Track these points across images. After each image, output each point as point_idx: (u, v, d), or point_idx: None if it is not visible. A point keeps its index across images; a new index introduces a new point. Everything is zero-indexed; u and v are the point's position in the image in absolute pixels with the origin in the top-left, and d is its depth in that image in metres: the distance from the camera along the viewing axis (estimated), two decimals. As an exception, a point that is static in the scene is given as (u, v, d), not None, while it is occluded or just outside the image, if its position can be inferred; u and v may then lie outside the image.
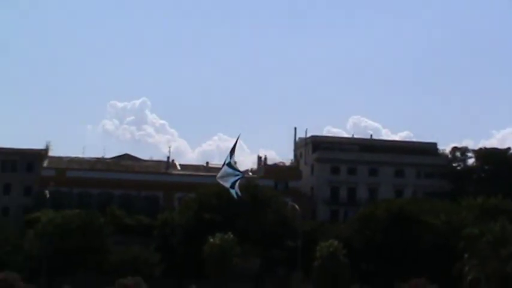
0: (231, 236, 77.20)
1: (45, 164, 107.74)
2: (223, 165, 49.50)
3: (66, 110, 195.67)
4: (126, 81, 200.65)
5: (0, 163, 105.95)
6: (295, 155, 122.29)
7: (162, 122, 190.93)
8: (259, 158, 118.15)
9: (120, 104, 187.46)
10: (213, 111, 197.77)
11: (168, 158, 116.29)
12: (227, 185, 49.52)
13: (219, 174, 51.86)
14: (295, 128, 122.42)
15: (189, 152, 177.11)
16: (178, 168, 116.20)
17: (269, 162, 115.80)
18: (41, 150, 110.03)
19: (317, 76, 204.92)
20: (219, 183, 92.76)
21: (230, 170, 48.62)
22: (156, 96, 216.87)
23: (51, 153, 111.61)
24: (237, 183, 49.31)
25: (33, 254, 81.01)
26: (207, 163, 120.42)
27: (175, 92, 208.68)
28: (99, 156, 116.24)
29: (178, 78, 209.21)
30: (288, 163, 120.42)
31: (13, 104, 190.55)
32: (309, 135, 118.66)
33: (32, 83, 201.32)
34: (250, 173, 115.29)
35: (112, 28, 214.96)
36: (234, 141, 50.14)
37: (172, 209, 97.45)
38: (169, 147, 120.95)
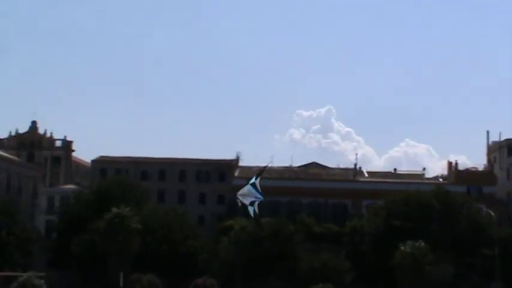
0: (422, 243, 75.44)
1: (236, 173, 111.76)
2: (248, 184, 48.90)
3: (255, 121, 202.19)
4: (311, 91, 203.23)
5: (195, 174, 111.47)
6: (488, 160, 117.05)
7: (348, 129, 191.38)
8: (450, 163, 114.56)
9: (306, 113, 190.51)
10: (400, 117, 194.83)
11: (355, 165, 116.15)
12: (246, 202, 48.78)
13: (240, 192, 51.51)
14: (488, 132, 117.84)
15: (376, 159, 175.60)
16: (366, 175, 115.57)
17: (460, 167, 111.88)
18: (232, 160, 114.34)
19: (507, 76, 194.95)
20: (408, 189, 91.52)
21: (253, 190, 47.95)
22: (341, 103, 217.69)
23: (241, 163, 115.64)
24: (256, 203, 48.61)
25: (227, 261, 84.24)
26: (395, 170, 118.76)
27: (360, 99, 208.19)
28: (287, 165, 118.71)
29: (362, 85, 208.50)
30: (480, 168, 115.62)
31: (204, 118, 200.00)
32: (503, 138, 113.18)
33: (221, 97, 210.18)
34: (440, 179, 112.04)
35: (296, 40, 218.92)
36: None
37: (360, 216, 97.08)
38: (356, 155, 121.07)
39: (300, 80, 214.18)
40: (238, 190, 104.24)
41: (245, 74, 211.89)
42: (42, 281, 77.78)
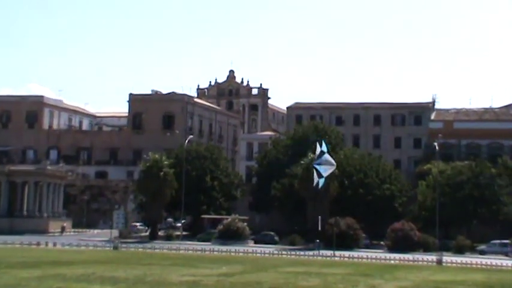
0: None
1: (432, 116, 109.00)
2: (324, 152, 45.25)
3: (451, 62, 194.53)
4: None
5: (390, 118, 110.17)
6: None
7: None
8: None
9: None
10: None
11: None
12: (323, 172, 45.19)
13: (317, 159, 47.57)
14: None
15: None
16: None
17: None
18: (428, 103, 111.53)
19: None
20: None
21: (329, 159, 44.08)
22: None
23: (437, 106, 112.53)
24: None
25: (426, 205, 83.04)
26: None
27: None
28: (487, 106, 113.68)
29: None
30: None
31: (399, 60, 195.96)
32: None
33: (416, 40, 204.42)
34: None
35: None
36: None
37: None
38: None
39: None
40: (434, 133, 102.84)
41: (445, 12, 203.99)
42: (245, 224, 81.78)
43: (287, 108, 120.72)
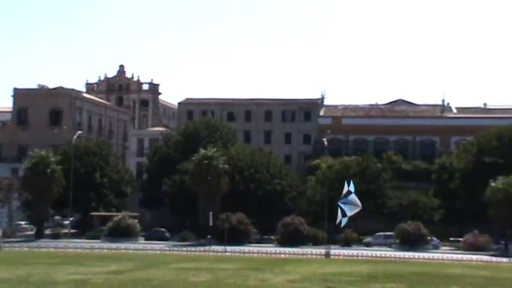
0: (515, 179, 73.61)
1: (321, 112, 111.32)
2: (351, 192, 47.54)
3: (341, 59, 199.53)
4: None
5: (280, 114, 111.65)
6: None
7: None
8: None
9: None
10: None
11: (443, 101, 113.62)
12: (347, 212, 47.57)
13: (343, 198, 49.80)
14: None
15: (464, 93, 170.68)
16: (454, 111, 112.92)
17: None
18: (317, 99, 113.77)
19: None
20: (499, 125, 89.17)
21: (356, 199, 46.46)
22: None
23: (326, 102, 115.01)
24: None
25: (315, 199, 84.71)
26: (485, 104, 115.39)
27: None
28: (373, 102, 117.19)
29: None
30: None
31: (289, 57, 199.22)
32: None
33: (305, 36, 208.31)
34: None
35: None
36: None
37: (449, 153, 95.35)
38: (444, 90, 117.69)
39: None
40: (324, 129, 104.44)
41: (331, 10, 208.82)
42: (136, 221, 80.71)
43: (178, 103, 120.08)
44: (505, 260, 62.62)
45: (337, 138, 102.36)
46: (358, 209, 48.15)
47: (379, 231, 79.65)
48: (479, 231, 74.27)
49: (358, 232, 79.74)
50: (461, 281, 36.14)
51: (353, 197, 46.81)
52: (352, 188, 47.00)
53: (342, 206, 57.88)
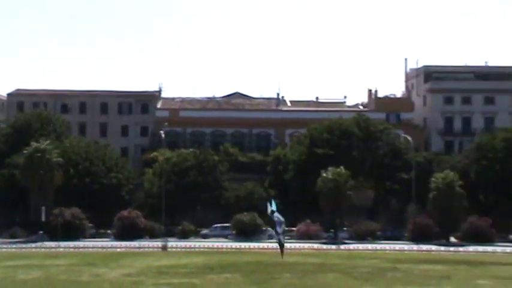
0: (344, 170, 77.29)
1: (158, 105, 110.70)
2: (274, 211, 49.22)
3: (177, 51, 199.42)
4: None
5: (117, 106, 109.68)
6: (406, 87, 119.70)
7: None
8: (370, 91, 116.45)
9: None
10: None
11: (278, 94, 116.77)
12: (279, 230, 49.34)
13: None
14: (406, 59, 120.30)
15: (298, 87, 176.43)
16: (288, 104, 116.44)
17: (380, 95, 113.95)
18: (155, 92, 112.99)
19: (427, 5, 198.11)
20: (330, 118, 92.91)
21: (279, 217, 48.45)
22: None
23: (164, 95, 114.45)
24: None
25: (152, 192, 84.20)
26: (317, 98, 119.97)
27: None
28: (210, 95, 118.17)
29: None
30: (399, 95, 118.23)
31: (126, 49, 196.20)
32: (420, 65, 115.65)
33: (141, 28, 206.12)
34: (360, 107, 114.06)
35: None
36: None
37: (284, 145, 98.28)
38: (279, 84, 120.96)
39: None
40: (161, 122, 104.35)
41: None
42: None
43: (7, 94, 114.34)
44: (334, 247, 65.71)
45: (174, 131, 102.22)
46: (283, 224, 48.94)
47: (216, 223, 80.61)
48: (312, 221, 77.31)
49: (196, 224, 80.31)
50: (293, 269, 37.36)
51: (277, 216, 47.32)
52: (274, 207, 47.43)
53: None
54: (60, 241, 65.04)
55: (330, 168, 77.32)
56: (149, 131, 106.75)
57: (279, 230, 49.55)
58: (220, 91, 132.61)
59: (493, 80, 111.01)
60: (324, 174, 76.97)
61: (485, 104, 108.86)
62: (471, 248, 64.04)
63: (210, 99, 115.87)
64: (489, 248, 63.88)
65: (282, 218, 49.18)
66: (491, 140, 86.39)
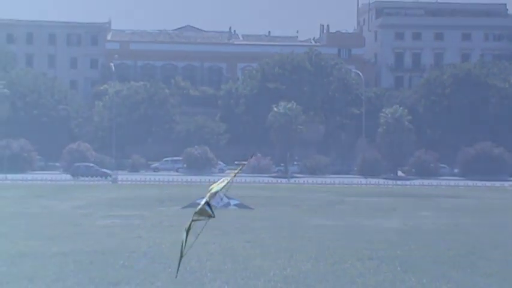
0: (295, 104, 77.67)
1: (109, 37, 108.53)
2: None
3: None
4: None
5: (66, 37, 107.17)
6: (358, 22, 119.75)
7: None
8: (322, 26, 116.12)
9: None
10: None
11: (230, 28, 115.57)
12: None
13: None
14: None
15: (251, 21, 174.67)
16: (241, 38, 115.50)
17: (331, 30, 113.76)
18: (104, 23, 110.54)
19: None
20: (281, 52, 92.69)
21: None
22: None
23: (114, 27, 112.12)
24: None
25: (102, 125, 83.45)
26: (269, 33, 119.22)
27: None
28: (161, 28, 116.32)
29: None
30: (351, 31, 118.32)
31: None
32: (372, 0, 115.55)
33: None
34: (312, 42, 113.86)
35: None
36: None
37: (235, 79, 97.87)
38: (231, 19, 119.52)
39: None
40: (111, 54, 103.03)
41: None
42: None
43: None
44: (284, 181, 66.52)
45: (125, 64, 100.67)
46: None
47: (167, 157, 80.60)
48: (262, 155, 77.90)
49: (147, 157, 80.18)
50: (243, 201, 37.67)
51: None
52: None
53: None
54: (7, 173, 64.21)
55: (281, 103, 77.61)
56: (99, 64, 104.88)
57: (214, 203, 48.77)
58: (171, 24, 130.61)
59: (443, 16, 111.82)
60: (276, 109, 77.30)
61: (435, 40, 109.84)
62: (417, 182, 65.63)
63: (161, 32, 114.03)
64: (435, 182, 65.59)
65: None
66: (439, 75, 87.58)
